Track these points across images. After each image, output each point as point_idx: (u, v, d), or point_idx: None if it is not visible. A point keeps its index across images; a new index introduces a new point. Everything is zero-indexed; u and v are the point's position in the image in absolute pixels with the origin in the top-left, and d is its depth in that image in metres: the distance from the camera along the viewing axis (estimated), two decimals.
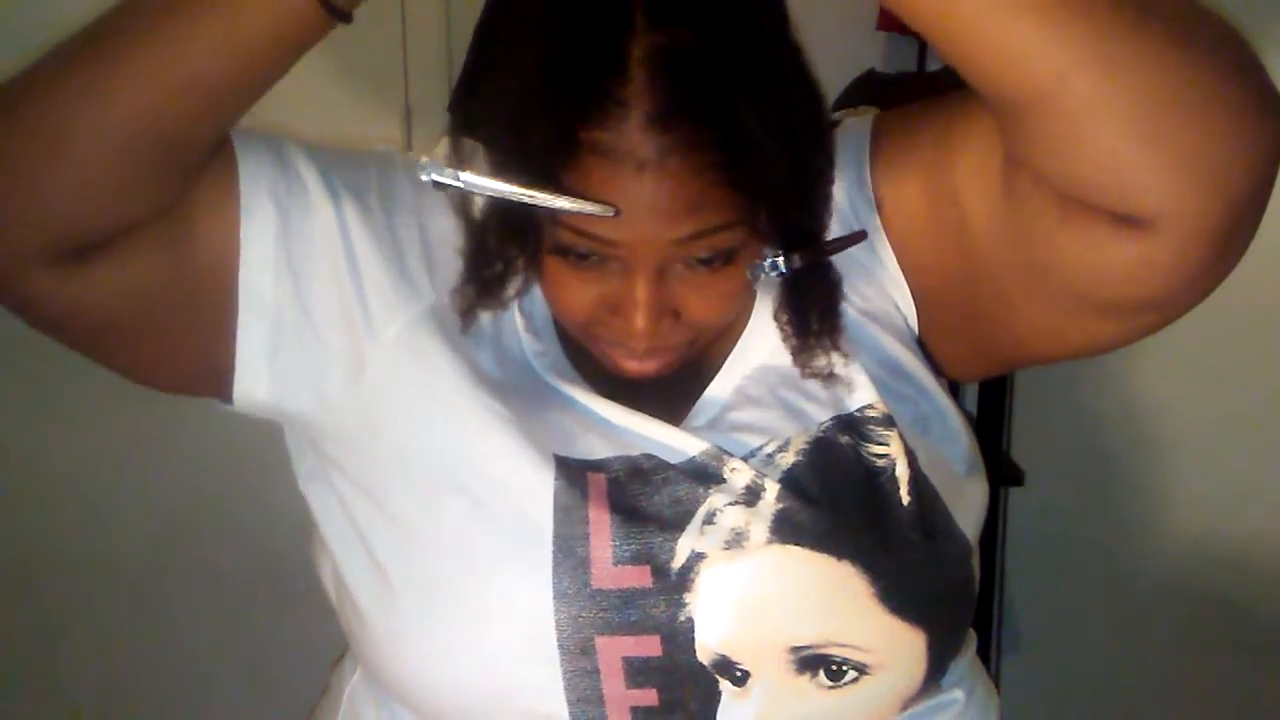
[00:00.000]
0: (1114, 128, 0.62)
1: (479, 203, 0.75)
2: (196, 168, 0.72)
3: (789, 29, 0.70)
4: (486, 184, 0.68)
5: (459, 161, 0.71)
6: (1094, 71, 0.61)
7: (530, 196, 0.67)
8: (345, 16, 0.66)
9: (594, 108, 0.65)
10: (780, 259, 0.72)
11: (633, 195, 0.66)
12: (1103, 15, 0.62)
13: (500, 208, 0.72)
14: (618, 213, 0.66)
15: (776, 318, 0.80)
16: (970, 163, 0.73)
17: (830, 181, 0.75)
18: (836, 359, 0.78)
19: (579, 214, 0.67)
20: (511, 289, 0.77)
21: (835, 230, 0.79)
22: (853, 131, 0.82)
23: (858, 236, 0.78)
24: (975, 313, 0.78)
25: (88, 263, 0.68)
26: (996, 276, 0.75)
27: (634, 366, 0.76)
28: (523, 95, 0.66)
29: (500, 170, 0.69)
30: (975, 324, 0.79)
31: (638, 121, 0.64)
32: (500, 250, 0.74)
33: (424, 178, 0.69)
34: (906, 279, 0.80)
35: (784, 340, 0.79)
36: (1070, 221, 0.67)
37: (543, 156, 0.66)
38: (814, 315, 0.78)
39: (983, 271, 0.75)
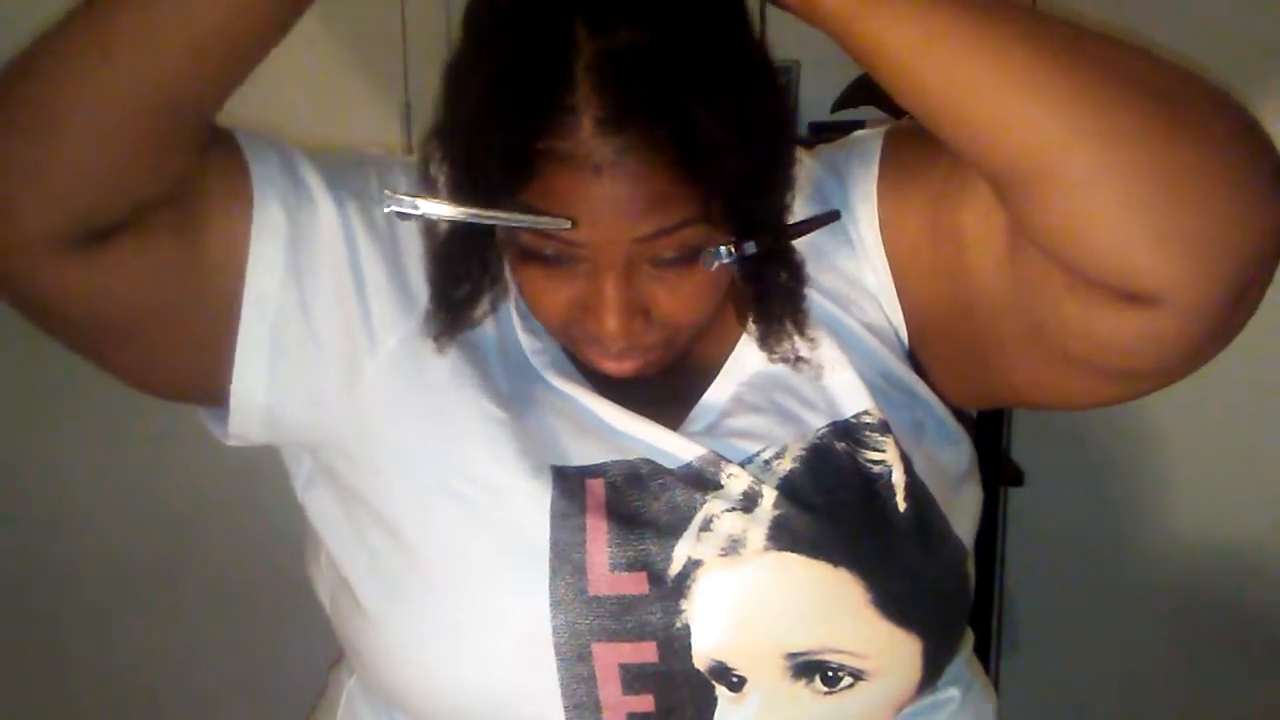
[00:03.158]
0: (1117, 204, 0.62)
1: (443, 228, 0.75)
2: (201, 135, 0.71)
3: (738, 16, 0.69)
4: (443, 210, 0.69)
5: (425, 189, 0.72)
6: (1098, 144, 0.61)
7: (487, 217, 0.68)
8: None
9: (546, 119, 0.64)
10: (732, 245, 0.71)
11: (593, 198, 0.66)
12: (1107, 87, 0.62)
13: (459, 229, 0.72)
14: (574, 224, 0.66)
15: (736, 303, 0.79)
16: (978, 210, 0.73)
17: (791, 165, 0.74)
18: (802, 344, 0.78)
19: (538, 229, 0.67)
20: (481, 308, 0.77)
21: (828, 240, 0.79)
22: (862, 145, 0.81)
23: (829, 217, 0.78)
24: (971, 353, 0.78)
25: (95, 251, 0.68)
26: (994, 325, 0.75)
27: (612, 366, 0.76)
28: (476, 116, 0.66)
29: (461, 191, 0.69)
30: (970, 363, 0.79)
31: (590, 127, 0.64)
32: (465, 271, 0.75)
33: (385, 210, 0.69)
34: (902, 301, 0.80)
35: (746, 328, 0.79)
36: (1075, 292, 0.67)
37: (500, 173, 0.66)
38: (775, 300, 0.77)
39: (980, 316, 0.75)
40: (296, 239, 0.75)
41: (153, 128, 0.67)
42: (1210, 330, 0.65)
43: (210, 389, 0.77)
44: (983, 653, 1.14)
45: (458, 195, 0.69)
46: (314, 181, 0.77)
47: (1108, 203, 0.62)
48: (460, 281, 0.76)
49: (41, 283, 0.69)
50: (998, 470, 1.63)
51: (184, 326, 0.75)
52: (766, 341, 0.79)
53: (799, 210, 0.77)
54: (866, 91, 1.47)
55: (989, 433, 1.63)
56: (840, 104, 1.49)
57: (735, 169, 0.66)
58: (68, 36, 0.66)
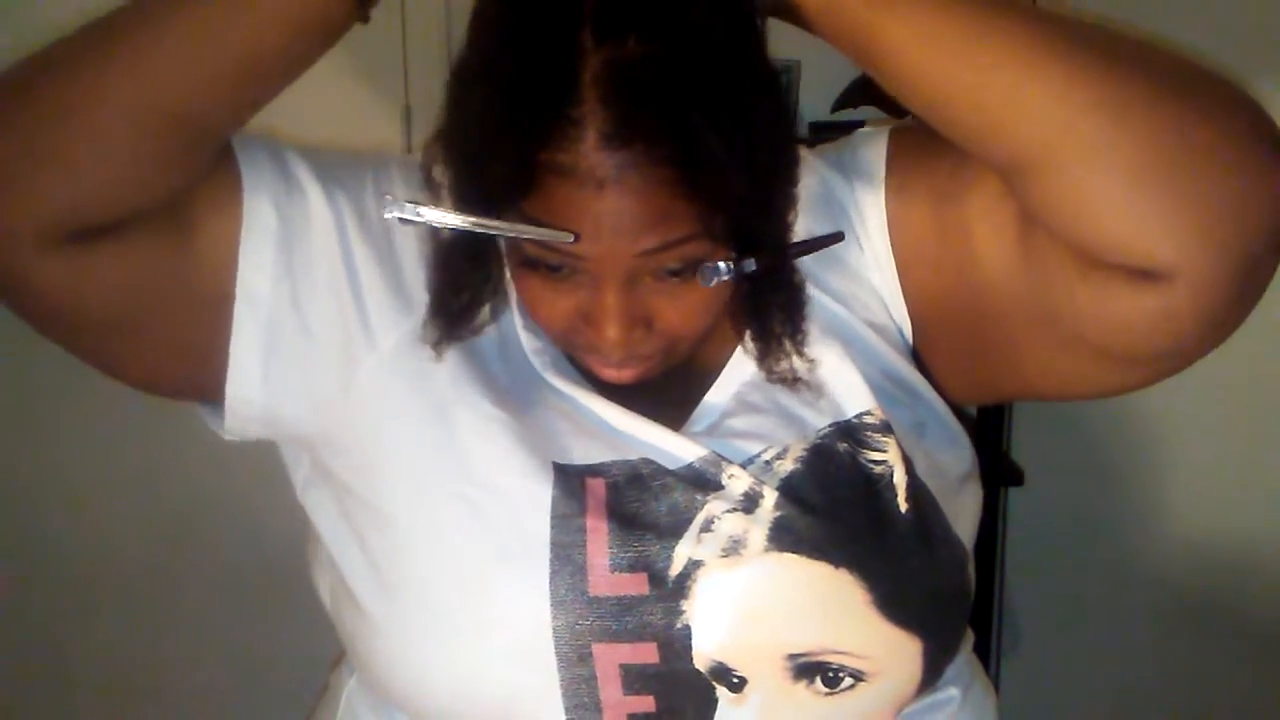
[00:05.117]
0: (1124, 178, 0.62)
1: (445, 234, 0.75)
2: (210, 155, 0.72)
3: (748, 31, 0.69)
4: (447, 218, 0.69)
5: (427, 196, 0.72)
6: (1100, 118, 0.62)
7: (491, 227, 0.68)
8: (365, 14, 0.69)
9: (550, 131, 0.64)
10: (731, 261, 0.71)
11: (595, 212, 0.66)
12: (1108, 65, 0.63)
13: (461, 237, 0.72)
14: (577, 238, 0.66)
15: (733, 318, 0.78)
16: (985, 200, 0.73)
17: (794, 183, 0.74)
18: (800, 364, 0.78)
19: (540, 240, 0.67)
20: (480, 317, 0.77)
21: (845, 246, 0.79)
22: (868, 143, 0.81)
23: (833, 238, 0.78)
24: (979, 348, 0.79)
25: (88, 248, 0.68)
26: (1005, 317, 0.75)
27: (611, 374, 0.76)
28: (479, 124, 0.66)
29: (464, 200, 0.69)
30: (978, 359, 0.79)
31: (594, 141, 0.64)
32: (466, 279, 0.75)
33: (386, 215, 0.69)
34: (907, 299, 0.80)
35: (743, 347, 0.80)
36: (1088, 277, 0.67)
37: (504, 183, 0.66)
38: (775, 319, 0.77)
39: (990, 310, 0.76)
40: (288, 236, 0.75)
41: (164, 146, 0.68)
42: (1223, 306, 0.65)
43: (205, 386, 0.77)
44: (983, 653, 1.14)
45: (460, 203, 0.69)
46: (306, 178, 0.77)
47: (1115, 177, 0.62)
48: (460, 290, 0.76)
49: (27, 276, 0.69)
50: (998, 470, 1.63)
51: (175, 325, 0.75)
52: (765, 361, 0.79)
53: (805, 211, 0.77)
54: (866, 91, 1.47)
55: (989, 433, 1.63)
56: (840, 104, 1.50)
57: (737, 187, 0.66)
58: (108, 30, 0.68)
